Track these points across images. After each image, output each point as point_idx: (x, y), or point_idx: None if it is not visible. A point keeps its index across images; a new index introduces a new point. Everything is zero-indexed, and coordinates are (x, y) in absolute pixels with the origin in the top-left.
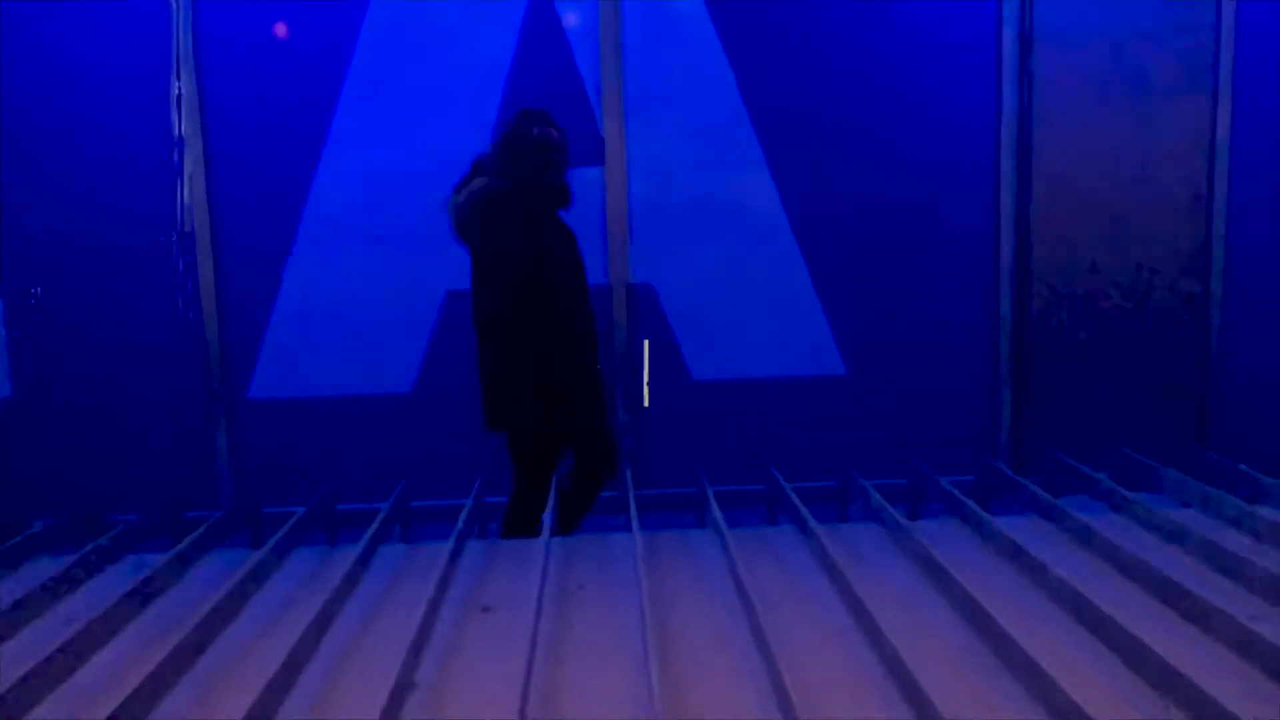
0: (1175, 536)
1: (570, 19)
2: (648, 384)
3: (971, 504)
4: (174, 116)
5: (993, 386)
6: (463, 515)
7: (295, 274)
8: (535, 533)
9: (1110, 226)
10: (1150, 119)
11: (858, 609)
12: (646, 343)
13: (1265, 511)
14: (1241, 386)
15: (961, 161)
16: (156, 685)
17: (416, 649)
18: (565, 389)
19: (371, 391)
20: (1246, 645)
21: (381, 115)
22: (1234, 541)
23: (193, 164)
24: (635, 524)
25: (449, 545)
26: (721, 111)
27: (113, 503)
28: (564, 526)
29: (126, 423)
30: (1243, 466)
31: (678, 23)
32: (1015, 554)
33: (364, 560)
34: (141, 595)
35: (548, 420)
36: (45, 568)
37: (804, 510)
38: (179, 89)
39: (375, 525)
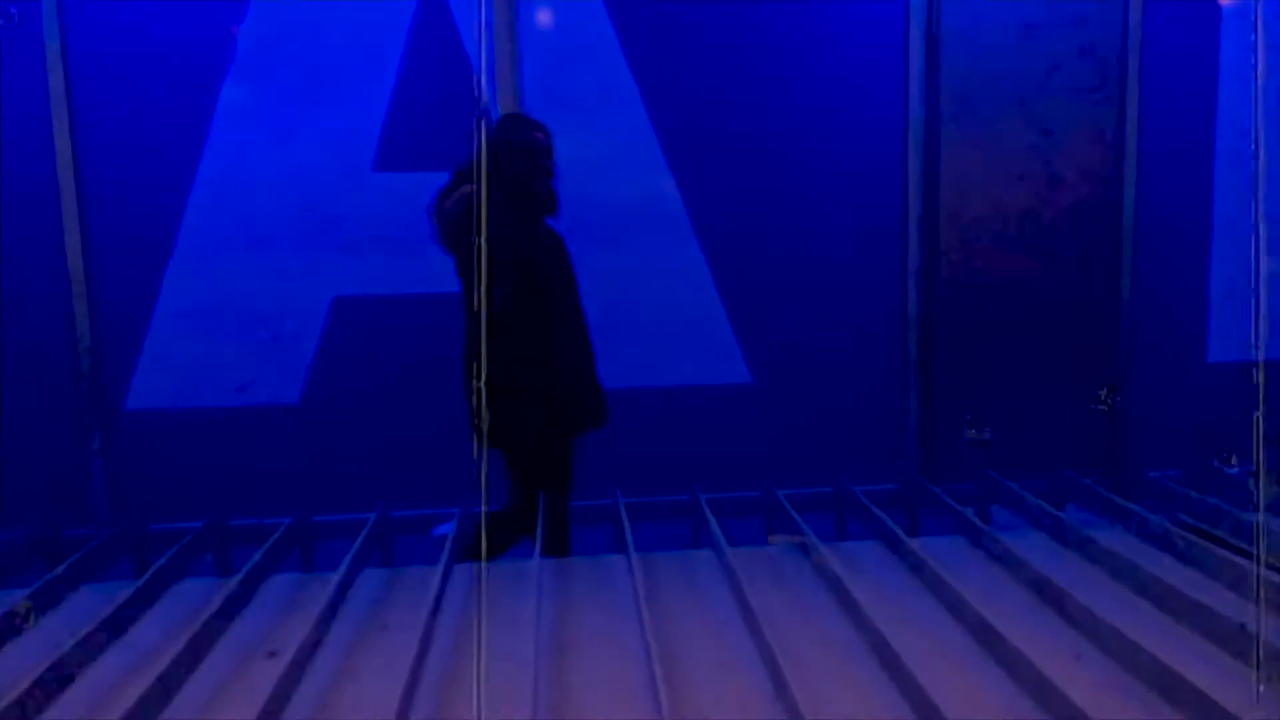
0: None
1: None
2: None
3: (809, 529)
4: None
5: (901, 391)
6: (270, 539)
7: (175, 279)
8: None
9: (1019, 226)
10: (1058, 118)
11: (664, 647)
12: None
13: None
14: (1151, 394)
15: (868, 163)
16: None
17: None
18: (558, 399)
19: (256, 402)
20: (1046, 691)
21: (264, 117)
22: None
23: (60, 166)
24: (445, 558)
25: (232, 582)
26: (622, 115)
27: None
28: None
29: None
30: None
31: (577, 24)
32: (836, 588)
33: (147, 597)
34: None
35: (548, 431)
36: None
37: (629, 538)
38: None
39: (176, 549)
